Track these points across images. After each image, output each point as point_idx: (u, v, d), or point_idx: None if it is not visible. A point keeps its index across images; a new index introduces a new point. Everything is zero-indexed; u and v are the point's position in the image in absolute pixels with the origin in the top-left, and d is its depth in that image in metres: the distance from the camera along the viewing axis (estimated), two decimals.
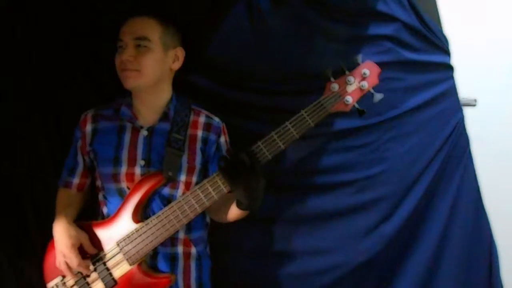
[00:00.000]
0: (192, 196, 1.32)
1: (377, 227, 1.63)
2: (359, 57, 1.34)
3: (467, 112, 1.69)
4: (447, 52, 1.66)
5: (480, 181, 1.68)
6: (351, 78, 1.34)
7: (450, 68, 1.67)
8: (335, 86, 1.34)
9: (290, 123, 1.33)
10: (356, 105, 1.35)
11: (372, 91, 1.35)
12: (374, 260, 1.63)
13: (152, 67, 1.35)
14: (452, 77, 1.67)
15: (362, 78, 1.34)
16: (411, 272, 1.65)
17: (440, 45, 1.64)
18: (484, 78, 1.77)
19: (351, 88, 1.34)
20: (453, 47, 1.66)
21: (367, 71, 1.34)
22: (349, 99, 1.34)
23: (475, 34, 1.76)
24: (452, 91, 1.67)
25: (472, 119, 1.70)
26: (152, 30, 1.36)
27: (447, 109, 1.66)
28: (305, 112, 1.33)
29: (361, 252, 1.63)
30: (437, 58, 1.65)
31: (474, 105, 1.75)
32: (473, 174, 1.67)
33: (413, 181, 1.63)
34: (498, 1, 1.76)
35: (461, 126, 1.66)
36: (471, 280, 1.67)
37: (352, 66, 1.34)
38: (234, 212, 1.38)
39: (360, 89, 1.34)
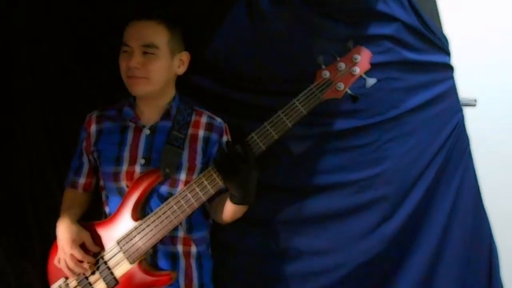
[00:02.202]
0: (188, 191, 1.32)
1: (378, 227, 1.63)
2: (351, 43, 1.33)
3: (467, 112, 1.69)
4: (447, 52, 1.66)
5: (480, 181, 1.67)
6: (341, 64, 1.33)
7: (450, 68, 1.67)
8: (326, 73, 1.33)
9: (283, 112, 1.33)
10: (349, 91, 1.35)
11: (364, 76, 1.34)
12: (374, 260, 1.63)
13: (159, 74, 1.35)
14: (452, 77, 1.67)
15: (353, 64, 1.33)
16: (412, 272, 1.65)
17: (440, 45, 1.64)
18: (484, 78, 1.77)
19: (342, 74, 1.33)
20: (453, 47, 1.66)
21: (358, 57, 1.33)
22: (341, 85, 1.33)
23: (475, 34, 1.76)
24: (452, 91, 1.67)
25: (472, 119, 1.70)
26: (160, 37, 1.34)
27: (447, 109, 1.66)
28: (297, 100, 1.33)
29: (361, 252, 1.63)
30: (437, 58, 1.65)
31: (474, 105, 1.75)
32: (473, 174, 1.67)
33: (413, 181, 1.63)
34: (498, 1, 1.76)
35: (461, 126, 1.66)
36: (471, 280, 1.66)
37: (343, 52, 1.34)
38: (230, 209, 1.37)
39: (352, 74, 1.34)
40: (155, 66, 1.33)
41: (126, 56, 1.34)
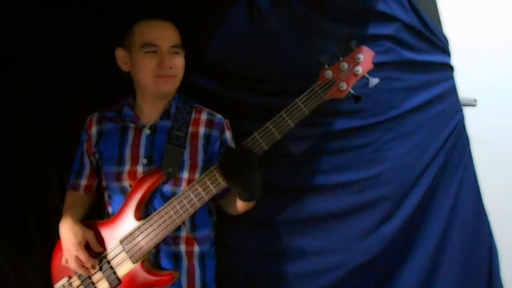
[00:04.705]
0: (191, 191, 1.32)
1: (378, 227, 1.63)
2: (353, 43, 1.33)
3: (467, 112, 1.69)
4: (447, 52, 1.66)
5: (480, 181, 1.68)
6: (344, 64, 1.33)
7: (450, 68, 1.67)
8: (329, 73, 1.33)
9: (285, 112, 1.32)
10: (352, 91, 1.34)
11: (367, 76, 1.34)
12: (374, 261, 1.63)
13: (182, 71, 1.42)
14: (452, 77, 1.67)
15: (356, 63, 1.33)
16: (412, 272, 1.65)
17: (440, 45, 1.65)
18: (484, 78, 1.77)
19: (345, 74, 1.33)
20: (453, 47, 1.66)
21: (361, 56, 1.33)
22: (344, 85, 1.33)
23: (475, 34, 1.76)
24: (452, 91, 1.67)
25: (472, 119, 1.70)
26: (179, 36, 1.41)
27: (447, 109, 1.66)
28: (300, 100, 1.33)
29: (361, 252, 1.63)
30: (437, 58, 1.65)
31: (474, 105, 1.75)
32: (473, 174, 1.67)
33: (414, 181, 1.63)
34: (498, 1, 1.76)
35: (461, 126, 1.66)
36: (471, 280, 1.66)
37: (346, 52, 1.34)
38: (240, 204, 1.40)
39: (355, 74, 1.33)
40: (182, 65, 1.41)
41: (154, 57, 1.36)
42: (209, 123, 1.44)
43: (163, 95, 1.41)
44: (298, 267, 1.65)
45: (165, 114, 1.41)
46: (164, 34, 1.37)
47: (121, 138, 1.41)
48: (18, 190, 1.65)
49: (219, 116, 1.47)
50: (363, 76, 1.34)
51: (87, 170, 1.47)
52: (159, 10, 1.51)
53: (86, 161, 1.47)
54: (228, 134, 1.46)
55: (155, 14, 1.40)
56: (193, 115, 1.44)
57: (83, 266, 1.33)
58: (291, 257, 1.65)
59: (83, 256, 1.32)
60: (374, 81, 1.34)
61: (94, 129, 1.44)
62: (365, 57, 1.33)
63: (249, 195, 1.33)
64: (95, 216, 1.47)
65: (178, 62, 1.38)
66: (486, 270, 1.68)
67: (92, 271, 1.35)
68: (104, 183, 1.44)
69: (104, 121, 1.44)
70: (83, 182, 1.47)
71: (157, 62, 1.35)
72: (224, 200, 1.46)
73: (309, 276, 1.65)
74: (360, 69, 1.33)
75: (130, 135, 1.41)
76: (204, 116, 1.45)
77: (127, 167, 1.38)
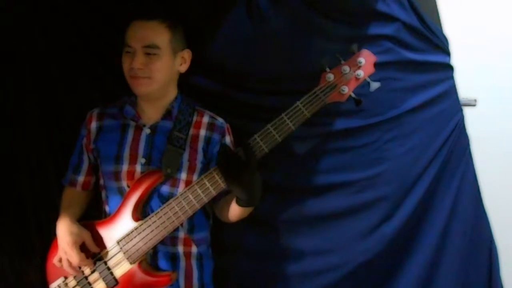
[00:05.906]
0: (190, 192, 1.32)
1: (378, 227, 1.63)
2: (355, 46, 1.33)
3: (467, 112, 1.69)
4: (447, 52, 1.66)
5: (480, 181, 1.68)
6: (346, 68, 1.33)
7: (450, 68, 1.67)
8: (330, 76, 1.33)
9: (286, 115, 1.32)
10: (353, 95, 1.34)
11: (368, 79, 1.34)
12: (374, 261, 1.63)
13: (162, 73, 1.36)
14: (452, 77, 1.67)
15: (358, 67, 1.33)
16: (411, 272, 1.65)
17: (440, 45, 1.65)
18: (484, 78, 1.77)
19: (346, 78, 1.33)
20: (453, 47, 1.66)
21: (362, 60, 1.33)
22: (345, 88, 1.33)
23: (475, 34, 1.76)
24: (452, 91, 1.67)
25: (472, 119, 1.69)
26: (162, 37, 1.35)
27: (447, 109, 1.66)
28: (301, 103, 1.33)
29: (361, 252, 1.63)
30: (437, 58, 1.65)
31: (474, 105, 1.75)
32: (473, 174, 1.67)
33: (413, 181, 1.63)
34: (498, 1, 1.76)
35: (461, 126, 1.66)
36: (471, 280, 1.67)
37: (345, 52, 1.34)
38: (236, 210, 1.37)
39: (356, 78, 1.33)
40: (158, 66, 1.34)
41: (129, 57, 1.34)
42: (211, 127, 1.43)
43: (142, 97, 1.39)
44: (298, 266, 1.65)
45: (167, 115, 1.41)
46: (137, 34, 1.33)
47: (120, 136, 1.40)
48: (18, 190, 1.64)
49: (220, 120, 1.46)
50: (364, 80, 1.34)
51: (85, 166, 1.46)
52: (158, 10, 1.51)
53: (85, 157, 1.46)
54: (228, 139, 1.45)
55: (141, 14, 1.36)
56: (195, 118, 1.44)
57: (78, 265, 1.32)
58: (291, 257, 1.65)
59: (76, 256, 1.30)
60: (375, 85, 1.33)
61: (93, 125, 1.43)
62: (367, 61, 1.33)
63: (248, 199, 1.31)
64: (94, 214, 1.47)
65: (151, 63, 1.33)
66: (486, 270, 1.68)
67: (86, 272, 1.34)
68: (101, 182, 1.43)
69: (104, 117, 1.43)
70: (81, 178, 1.46)
71: (130, 63, 1.33)
72: (219, 205, 1.44)
73: (309, 275, 1.65)
74: (361, 73, 1.33)
75: (130, 134, 1.40)
76: (205, 119, 1.44)
77: (125, 167, 1.37)
